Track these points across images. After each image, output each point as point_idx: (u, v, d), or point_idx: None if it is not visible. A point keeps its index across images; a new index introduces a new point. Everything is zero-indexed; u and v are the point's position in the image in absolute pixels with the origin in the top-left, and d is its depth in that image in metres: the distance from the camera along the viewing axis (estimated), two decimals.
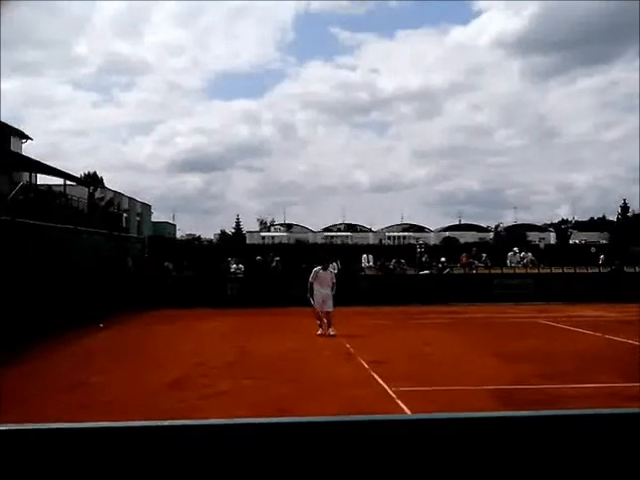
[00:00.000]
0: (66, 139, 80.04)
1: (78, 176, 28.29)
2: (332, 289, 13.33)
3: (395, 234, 55.65)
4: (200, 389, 8.19)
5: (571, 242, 45.68)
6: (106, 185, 36.44)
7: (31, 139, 27.53)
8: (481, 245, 33.43)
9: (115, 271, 19.09)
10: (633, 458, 1.11)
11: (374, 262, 24.58)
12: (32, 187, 23.03)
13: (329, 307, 13.26)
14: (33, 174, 24.24)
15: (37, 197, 20.93)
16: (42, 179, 25.01)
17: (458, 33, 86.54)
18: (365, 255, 24.83)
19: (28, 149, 26.15)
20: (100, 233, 19.73)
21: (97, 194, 29.00)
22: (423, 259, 25.20)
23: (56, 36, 70.73)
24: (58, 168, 21.84)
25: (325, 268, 13.55)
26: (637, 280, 21.87)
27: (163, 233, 41.64)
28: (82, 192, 26.21)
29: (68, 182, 23.91)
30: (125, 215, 33.21)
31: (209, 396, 7.75)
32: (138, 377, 8.93)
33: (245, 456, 1.07)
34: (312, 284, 13.29)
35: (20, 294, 12.22)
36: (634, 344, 11.75)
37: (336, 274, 13.75)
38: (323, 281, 13.34)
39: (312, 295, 13.32)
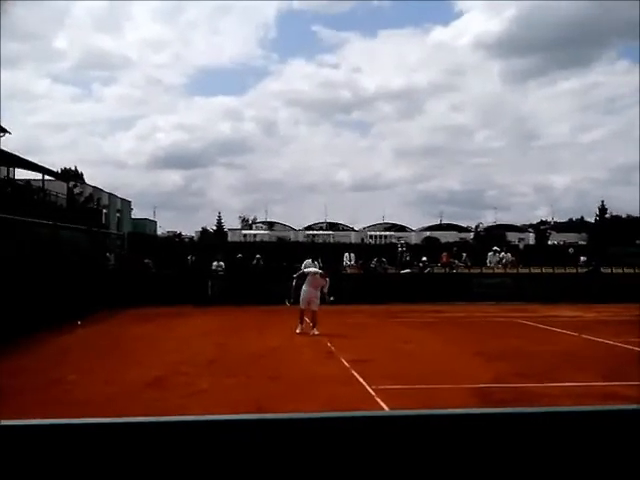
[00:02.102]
0: (45, 133, 79.16)
1: (57, 171, 27.95)
2: (320, 291, 13.45)
3: (377, 233, 55.93)
4: (180, 387, 8.13)
5: (550, 243, 46.30)
6: (86, 180, 35.98)
7: (9, 133, 27.07)
8: (461, 245, 33.72)
9: (94, 268, 18.87)
10: (615, 455, 1.13)
11: (356, 261, 24.66)
12: (10, 182, 22.70)
13: (314, 306, 13.35)
14: (11, 168, 23.87)
15: (15, 192, 20.64)
16: (20, 174, 24.66)
17: (439, 34, 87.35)
18: (347, 254, 24.89)
19: (6, 143, 25.68)
20: (79, 229, 19.48)
21: (76, 190, 28.64)
22: (404, 258, 25.34)
23: (35, 29, 69.65)
24: (37, 163, 21.56)
25: (323, 276, 13.73)
26: (614, 281, 22.25)
27: (143, 230, 41.26)
28: (61, 187, 25.90)
29: (47, 177, 23.61)
30: (105, 211, 32.86)
31: (189, 394, 7.69)
32: (117, 375, 8.83)
33: (225, 452, 1.08)
34: (302, 275, 13.38)
35: None
36: (610, 344, 11.95)
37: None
38: (314, 283, 13.48)
39: (297, 289, 13.45)
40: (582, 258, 25.60)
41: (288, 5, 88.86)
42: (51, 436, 1.05)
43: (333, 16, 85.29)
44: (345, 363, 9.79)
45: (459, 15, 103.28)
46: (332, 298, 13.50)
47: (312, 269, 14.05)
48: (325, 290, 13.53)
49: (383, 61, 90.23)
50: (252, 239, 48.60)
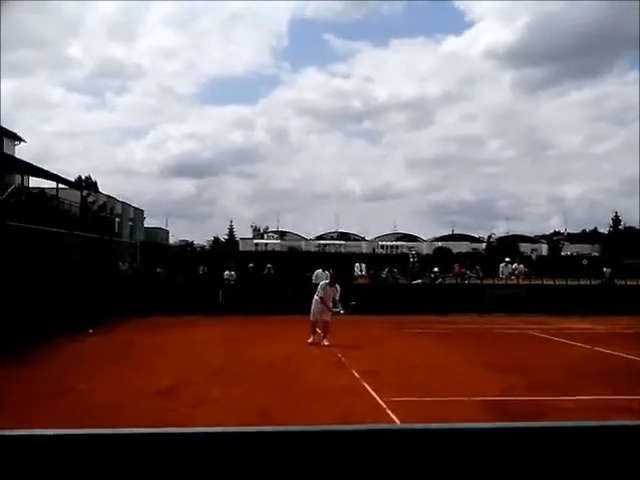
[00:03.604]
0: (59, 142, 79.72)
1: (71, 179, 28.25)
2: (334, 303, 13.55)
3: (388, 243, 55.78)
4: (190, 397, 8.14)
5: (563, 254, 45.95)
6: (99, 189, 36.31)
7: (24, 141, 27.44)
8: (474, 256, 33.56)
9: (106, 276, 18.98)
10: (625, 470, 1.11)
11: (367, 271, 24.59)
12: (24, 190, 22.94)
13: (327, 316, 13.36)
14: (25, 177, 24.15)
15: (29, 200, 20.85)
16: (34, 182, 24.94)
17: (451, 43, 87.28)
18: (358, 264, 24.84)
19: (20, 151, 26.00)
20: (92, 238, 19.63)
21: (90, 198, 28.92)
22: (416, 269, 25.24)
23: (48, 37, 70.57)
24: (50, 171, 21.79)
25: (332, 284, 13.75)
26: (627, 293, 22.01)
27: (156, 239, 41.50)
28: (75, 196, 26.16)
29: (61, 185, 23.85)
30: (118, 220, 33.12)
31: (198, 404, 7.70)
32: (127, 384, 8.86)
33: (232, 465, 1.07)
34: (322, 299, 13.44)
35: (9, 298, 12.12)
36: (623, 357, 11.81)
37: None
38: (328, 295, 13.55)
39: (329, 306, 13.50)
40: (605, 269, 24.90)
41: (300, 14, 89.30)
42: (57, 446, 1.05)
43: (345, 25, 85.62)
44: (356, 374, 9.75)
45: (470, 25, 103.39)
46: (342, 311, 13.49)
47: (322, 282, 14.17)
48: (337, 298, 13.57)
49: (394, 71, 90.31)
50: (263, 248, 48.66)
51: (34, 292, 13.29)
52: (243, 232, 63.88)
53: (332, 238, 57.95)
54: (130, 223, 38.08)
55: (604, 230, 58.63)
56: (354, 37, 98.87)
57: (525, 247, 49.16)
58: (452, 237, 58.04)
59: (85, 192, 28.89)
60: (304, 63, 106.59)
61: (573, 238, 58.86)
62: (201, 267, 23.25)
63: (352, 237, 59.08)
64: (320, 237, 57.45)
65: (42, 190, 23.79)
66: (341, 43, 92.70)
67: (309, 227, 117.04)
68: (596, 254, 44.83)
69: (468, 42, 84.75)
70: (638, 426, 1.18)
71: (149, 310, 18.28)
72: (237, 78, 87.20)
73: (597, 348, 12.97)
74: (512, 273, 25.03)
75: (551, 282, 23.89)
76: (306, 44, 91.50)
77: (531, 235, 59.28)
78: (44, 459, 1.03)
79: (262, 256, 30.08)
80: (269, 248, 47.94)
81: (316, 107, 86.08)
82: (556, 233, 62.27)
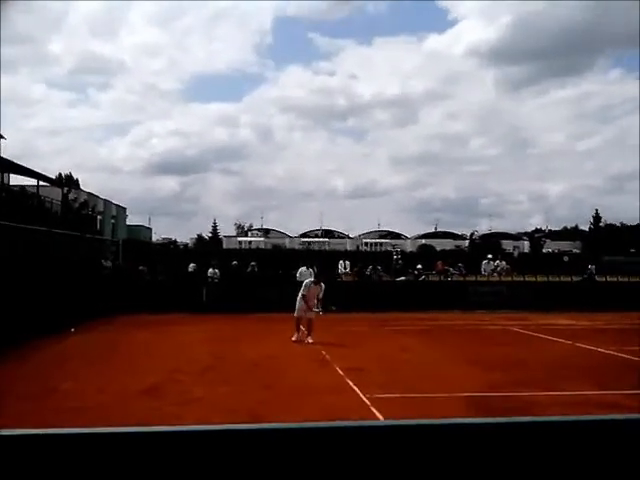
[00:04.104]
0: (40, 139, 78.92)
1: (52, 177, 27.90)
2: (318, 302, 13.63)
3: (372, 241, 56.00)
4: (175, 395, 8.10)
5: (544, 251, 46.46)
6: (81, 186, 35.90)
7: (4, 138, 27.02)
8: (456, 253, 33.75)
9: (88, 275, 18.77)
10: (609, 464, 1.14)
11: (351, 268, 24.63)
12: (4, 187, 22.63)
13: (311, 314, 13.43)
14: (5, 174, 23.82)
15: (9, 198, 20.56)
16: (15, 179, 24.61)
17: (434, 41, 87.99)
18: (342, 261, 24.86)
19: (0, 148, 25.60)
20: (73, 235, 19.40)
21: (71, 195, 28.61)
22: (399, 266, 25.33)
23: (30, 33, 69.52)
24: (31, 168, 21.51)
25: (317, 283, 13.79)
26: (608, 289, 22.31)
27: (138, 236, 41.19)
28: (56, 193, 25.86)
29: (41, 183, 23.57)
30: (99, 217, 32.81)
31: (184, 403, 7.66)
32: (111, 383, 8.79)
33: (218, 463, 1.07)
34: (304, 296, 13.45)
35: None
36: (604, 352, 11.97)
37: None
38: (312, 293, 13.59)
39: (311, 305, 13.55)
40: (590, 266, 25.03)
41: (284, 12, 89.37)
42: (44, 446, 1.04)
43: (329, 23, 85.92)
44: (340, 372, 9.77)
45: (453, 23, 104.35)
46: (321, 312, 13.60)
47: (306, 280, 14.19)
48: (320, 296, 13.62)
49: (378, 68, 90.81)
50: (247, 246, 48.58)
51: (15, 291, 13.11)
52: (227, 230, 63.76)
53: (316, 236, 58.04)
54: (112, 221, 37.76)
55: (585, 227, 59.48)
56: (338, 35, 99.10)
57: (507, 244, 49.64)
58: (435, 234, 58.48)
59: (66, 189, 28.56)
60: (288, 61, 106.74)
61: (554, 235, 59.63)
62: (191, 265, 22.99)
63: (336, 234, 59.24)
64: (304, 235, 57.49)
65: (23, 188, 23.48)
66: (325, 41, 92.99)
67: (293, 225, 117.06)
68: (577, 251, 45.39)
69: (451, 40, 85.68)
70: (619, 420, 1.20)
71: (132, 308, 18.11)
72: (221, 75, 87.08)
73: (578, 344, 13.14)
74: (494, 270, 25.22)
75: (533, 279, 24.11)
76: (290, 42, 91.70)
77: (513, 232, 59.98)
78: (28, 459, 1.03)
79: (246, 254, 29.96)
80: (253, 246, 47.90)
81: (300, 105, 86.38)
82: (538, 230, 63.05)
